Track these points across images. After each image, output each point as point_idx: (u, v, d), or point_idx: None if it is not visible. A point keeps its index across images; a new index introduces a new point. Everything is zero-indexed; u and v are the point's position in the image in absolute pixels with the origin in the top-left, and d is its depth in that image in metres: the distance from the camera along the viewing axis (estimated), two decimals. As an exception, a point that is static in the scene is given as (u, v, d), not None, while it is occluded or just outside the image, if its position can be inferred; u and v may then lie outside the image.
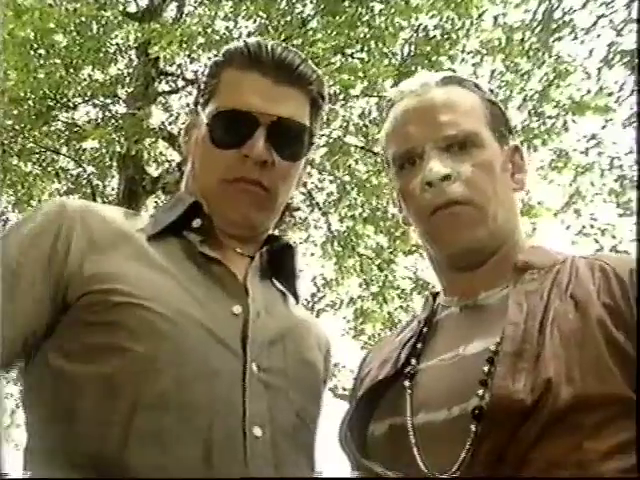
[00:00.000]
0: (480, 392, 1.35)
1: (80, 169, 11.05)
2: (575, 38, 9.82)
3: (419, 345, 1.58)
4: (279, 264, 1.70)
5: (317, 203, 11.85)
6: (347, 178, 11.41)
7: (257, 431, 1.41)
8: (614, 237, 10.19)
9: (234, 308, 1.52)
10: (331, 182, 11.77)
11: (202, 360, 1.42)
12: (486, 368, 1.37)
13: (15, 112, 9.94)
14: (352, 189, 11.41)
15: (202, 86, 1.69)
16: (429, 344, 1.58)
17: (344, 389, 11.62)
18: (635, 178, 10.09)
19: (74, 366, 1.41)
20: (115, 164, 10.87)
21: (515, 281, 1.49)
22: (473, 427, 1.33)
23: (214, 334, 1.46)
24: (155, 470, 1.33)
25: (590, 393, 1.29)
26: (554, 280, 1.46)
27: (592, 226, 10.46)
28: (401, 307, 11.77)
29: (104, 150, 10.70)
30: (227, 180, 1.61)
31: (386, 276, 11.72)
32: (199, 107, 1.68)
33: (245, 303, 1.54)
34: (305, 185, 11.70)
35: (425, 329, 1.60)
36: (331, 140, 11.21)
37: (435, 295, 1.66)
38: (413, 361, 1.55)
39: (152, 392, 1.37)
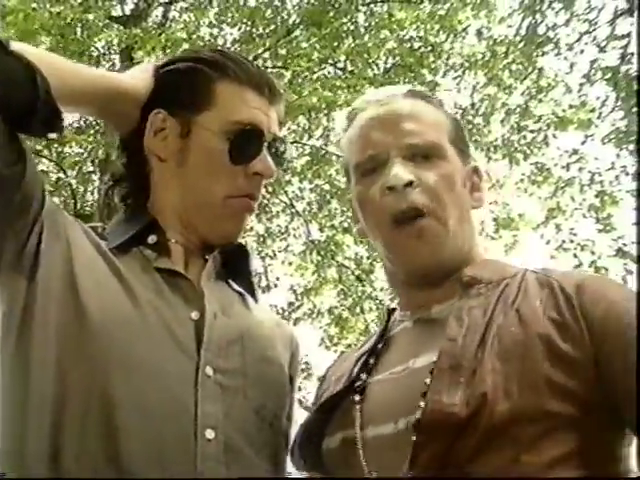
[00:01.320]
0: (421, 405, 1.34)
1: (61, 173, 11.00)
2: (558, 54, 9.88)
3: (372, 360, 1.58)
4: (233, 266, 1.71)
5: (297, 212, 11.86)
6: (327, 187, 11.43)
7: (209, 433, 1.42)
8: (593, 253, 10.24)
9: (192, 314, 1.53)
10: (311, 190, 11.79)
11: (155, 364, 1.43)
12: (428, 381, 1.36)
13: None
14: (332, 198, 11.44)
15: (185, 90, 1.65)
16: (382, 358, 1.57)
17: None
18: (615, 194, 10.17)
19: (30, 366, 1.41)
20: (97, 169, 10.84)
21: (460, 296, 1.49)
22: (413, 439, 1.33)
23: (169, 339, 1.47)
24: (108, 471, 1.34)
25: (527, 407, 1.29)
26: (500, 295, 1.46)
27: (572, 241, 10.51)
28: (378, 318, 11.78)
29: (86, 155, 10.68)
30: (233, 196, 1.62)
31: (364, 286, 11.73)
32: (180, 111, 1.64)
33: (202, 307, 1.54)
34: (286, 193, 11.73)
35: (379, 344, 1.60)
36: (314, 149, 11.25)
37: (391, 311, 1.66)
38: (364, 375, 1.55)
39: (104, 395, 1.38)
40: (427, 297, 1.56)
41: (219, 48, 8.27)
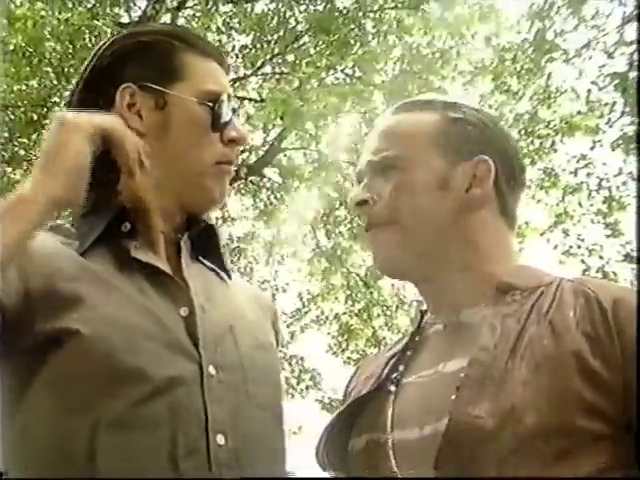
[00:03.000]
0: (448, 414, 1.33)
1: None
2: (567, 60, 9.89)
3: (403, 361, 1.57)
4: (204, 245, 1.68)
5: (305, 218, 11.88)
6: (334, 194, 11.45)
7: (220, 439, 1.40)
8: (601, 257, 10.24)
9: (181, 310, 1.49)
10: (319, 197, 11.81)
11: (159, 372, 1.40)
12: (456, 389, 1.36)
13: (6, 119, 9.92)
14: (340, 205, 11.45)
15: (154, 63, 1.62)
16: (413, 360, 1.56)
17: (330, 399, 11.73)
18: (623, 199, 10.17)
19: (35, 384, 1.39)
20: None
21: (494, 302, 1.48)
22: (437, 448, 1.32)
23: (168, 341, 1.44)
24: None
25: (554, 422, 1.28)
26: (535, 303, 1.44)
27: (579, 246, 10.50)
28: (385, 324, 11.79)
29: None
30: (221, 162, 1.62)
31: (371, 293, 11.74)
32: (151, 84, 1.60)
33: (190, 302, 1.51)
34: (293, 200, 11.74)
35: (410, 345, 1.60)
36: (321, 156, 11.27)
37: (424, 312, 1.65)
38: (395, 377, 1.54)
39: (112, 410, 1.36)
40: (452, 299, 1.54)
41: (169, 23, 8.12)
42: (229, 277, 1.70)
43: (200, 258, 1.67)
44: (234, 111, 1.65)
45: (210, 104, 1.60)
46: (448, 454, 1.30)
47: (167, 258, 1.58)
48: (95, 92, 1.61)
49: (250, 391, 1.51)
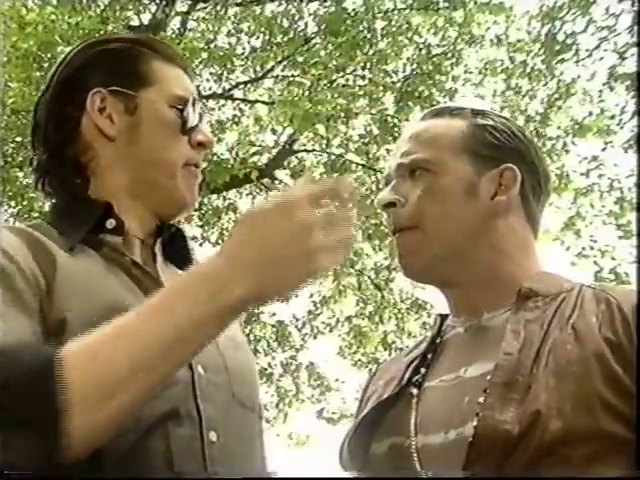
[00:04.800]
0: (474, 420, 1.35)
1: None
2: (578, 61, 9.87)
3: (424, 365, 1.58)
4: (174, 249, 1.69)
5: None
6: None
7: (213, 436, 1.42)
8: (614, 259, 10.19)
9: None
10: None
11: None
12: (480, 395, 1.37)
13: (17, 124, 9.94)
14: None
15: (125, 69, 1.66)
16: (434, 364, 1.58)
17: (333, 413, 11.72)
18: (635, 200, 10.12)
19: None
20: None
21: (517, 308, 1.49)
22: (464, 454, 1.33)
23: None
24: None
25: (580, 427, 1.29)
26: (557, 309, 1.46)
27: (592, 247, 10.47)
28: (397, 327, 11.77)
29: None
30: (189, 164, 1.65)
31: (383, 296, 11.72)
32: (121, 89, 1.63)
33: None
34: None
35: (431, 349, 1.61)
36: (332, 158, 11.26)
37: (444, 317, 1.67)
38: (417, 381, 1.56)
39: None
40: (473, 303, 1.57)
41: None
42: None
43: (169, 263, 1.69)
44: (201, 115, 1.68)
45: (179, 107, 1.64)
46: (476, 458, 1.32)
47: (143, 262, 1.59)
48: (64, 99, 1.64)
49: (234, 391, 1.53)
